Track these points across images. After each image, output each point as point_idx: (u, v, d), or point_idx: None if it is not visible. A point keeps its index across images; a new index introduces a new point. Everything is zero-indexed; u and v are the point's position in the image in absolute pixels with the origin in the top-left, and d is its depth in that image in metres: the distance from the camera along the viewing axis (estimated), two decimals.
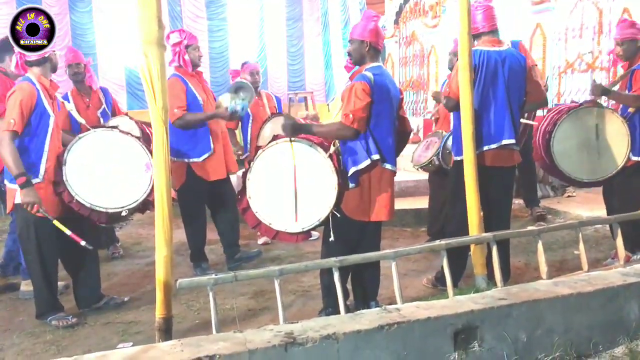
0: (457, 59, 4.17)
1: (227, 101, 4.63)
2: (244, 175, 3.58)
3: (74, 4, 12.50)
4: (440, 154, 5.01)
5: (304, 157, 3.46)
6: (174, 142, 4.64)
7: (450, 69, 5.32)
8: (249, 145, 5.63)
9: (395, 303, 3.14)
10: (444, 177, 5.11)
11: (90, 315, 4.01)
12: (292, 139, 3.47)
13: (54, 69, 3.92)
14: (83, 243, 3.73)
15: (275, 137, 3.56)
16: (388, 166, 3.56)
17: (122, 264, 5.30)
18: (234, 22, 15.02)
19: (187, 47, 4.64)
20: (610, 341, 3.06)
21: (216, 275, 2.98)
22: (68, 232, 3.70)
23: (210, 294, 2.89)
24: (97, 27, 12.80)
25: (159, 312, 3.03)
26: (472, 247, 3.80)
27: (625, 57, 4.48)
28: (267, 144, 3.56)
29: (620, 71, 4.82)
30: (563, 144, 4.38)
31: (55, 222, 3.70)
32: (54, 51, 3.80)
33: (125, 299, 4.24)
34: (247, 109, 4.85)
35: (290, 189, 3.45)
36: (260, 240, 5.71)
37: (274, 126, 5.11)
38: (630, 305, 3.15)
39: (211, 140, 4.67)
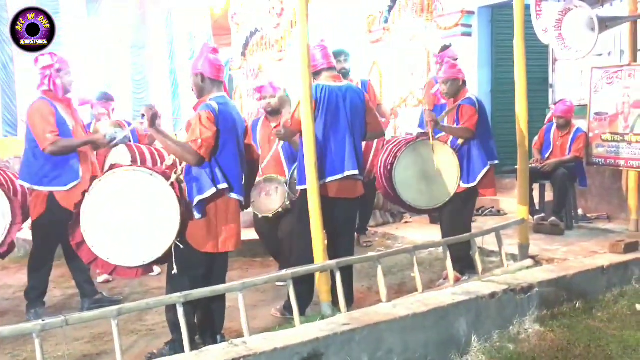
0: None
1: (105, 129, 4.43)
2: (76, 207, 3.35)
3: None
4: (288, 185, 5.02)
5: (144, 186, 3.32)
6: (35, 169, 4.28)
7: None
8: None
9: (243, 336, 3.09)
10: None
11: None
12: (133, 168, 3.33)
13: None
14: None
15: (112, 166, 3.39)
16: (234, 195, 3.55)
17: None
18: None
19: (58, 71, 4.36)
20: (443, 357, 3.27)
21: (44, 320, 2.71)
22: None
23: (37, 342, 2.63)
24: None
25: None
26: (317, 275, 3.88)
27: (449, 94, 4.96)
28: (104, 173, 3.38)
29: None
30: (404, 175, 4.69)
31: None
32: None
33: None
34: (127, 140, 4.63)
35: (130, 220, 3.29)
36: (101, 278, 5.34)
37: (113, 155, 4.88)
38: (460, 322, 3.41)
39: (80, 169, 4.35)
